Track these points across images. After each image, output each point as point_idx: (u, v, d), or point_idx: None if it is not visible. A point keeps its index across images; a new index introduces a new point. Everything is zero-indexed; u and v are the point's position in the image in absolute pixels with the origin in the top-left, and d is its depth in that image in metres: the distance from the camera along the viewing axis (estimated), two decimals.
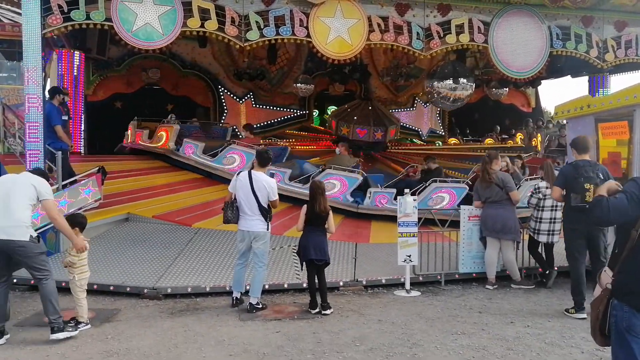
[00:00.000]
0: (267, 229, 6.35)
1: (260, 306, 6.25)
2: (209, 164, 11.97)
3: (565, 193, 6.15)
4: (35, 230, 5.52)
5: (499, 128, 19.75)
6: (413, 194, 10.75)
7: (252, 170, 6.39)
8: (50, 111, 8.96)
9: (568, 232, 6.30)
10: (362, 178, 11.13)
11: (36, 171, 5.71)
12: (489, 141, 18.69)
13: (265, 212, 6.28)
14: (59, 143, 8.97)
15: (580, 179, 5.90)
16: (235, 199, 6.36)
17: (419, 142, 19.85)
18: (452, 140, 19.53)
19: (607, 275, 3.09)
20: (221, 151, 11.96)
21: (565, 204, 6.26)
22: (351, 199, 10.92)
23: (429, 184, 10.85)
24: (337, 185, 10.95)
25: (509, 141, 18.40)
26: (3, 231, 5.05)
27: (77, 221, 5.81)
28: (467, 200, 10.84)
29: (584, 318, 6.06)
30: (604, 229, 6.31)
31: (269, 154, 6.63)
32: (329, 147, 15.83)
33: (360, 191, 11.06)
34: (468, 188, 10.75)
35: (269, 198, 6.29)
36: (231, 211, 6.34)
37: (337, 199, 10.70)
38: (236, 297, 6.40)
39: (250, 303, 6.21)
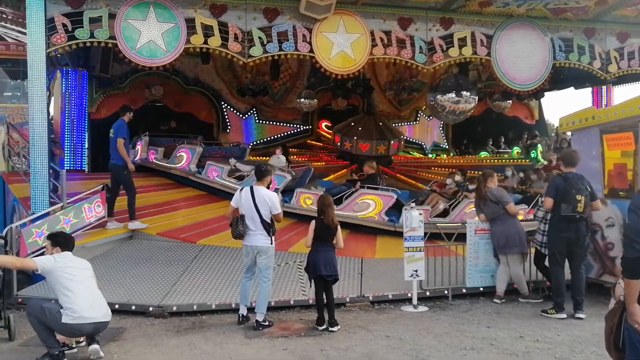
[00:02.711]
0: (271, 244, 6.30)
1: (267, 323, 6.18)
2: (164, 165, 13.08)
3: (555, 203, 6.56)
4: None
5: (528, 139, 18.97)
6: (340, 198, 10.80)
7: (253, 186, 6.37)
8: (121, 125, 9.24)
9: (555, 239, 6.68)
10: (290, 177, 11.44)
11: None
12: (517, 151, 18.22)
13: (268, 227, 6.24)
14: (122, 159, 9.13)
15: (572, 190, 6.40)
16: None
17: (444, 156, 19.49)
18: (484, 155, 18.76)
19: (620, 287, 3.05)
20: (173, 152, 13.09)
21: (553, 213, 6.64)
22: (280, 197, 10.90)
23: (356, 190, 10.86)
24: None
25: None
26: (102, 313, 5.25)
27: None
28: (397, 208, 10.53)
29: (564, 318, 6.45)
30: (587, 241, 6.70)
31: (266, 167, 6.61)
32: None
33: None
34: (396, 197, 10.69)
35: (271, 212, 6.26)
36: (242, 225, 6.27)
37: None
38: (242, 314, 6.34)
39: (256, 320, 6.15)
